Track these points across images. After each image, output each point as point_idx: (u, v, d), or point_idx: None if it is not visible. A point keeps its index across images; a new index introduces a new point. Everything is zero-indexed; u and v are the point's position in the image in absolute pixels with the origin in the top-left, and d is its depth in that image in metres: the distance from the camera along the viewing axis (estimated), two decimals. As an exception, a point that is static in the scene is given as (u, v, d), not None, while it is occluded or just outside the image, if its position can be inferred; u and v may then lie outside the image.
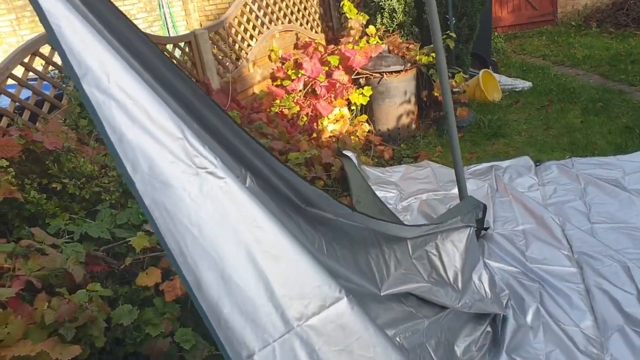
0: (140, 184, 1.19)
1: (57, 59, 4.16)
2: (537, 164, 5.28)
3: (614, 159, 5.15)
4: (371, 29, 6.41)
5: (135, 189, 1.19)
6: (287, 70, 6.24)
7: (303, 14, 7.04)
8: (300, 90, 5.99)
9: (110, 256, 3.21)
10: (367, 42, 6.35)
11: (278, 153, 4.95)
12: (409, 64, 6.19)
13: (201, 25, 12.82)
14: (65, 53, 1.16)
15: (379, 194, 5.03)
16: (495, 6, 12.20)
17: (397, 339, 2.43)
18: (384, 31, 6.56)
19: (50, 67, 4.17)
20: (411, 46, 6.32)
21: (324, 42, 7.20)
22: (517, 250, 3.86)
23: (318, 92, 5.93)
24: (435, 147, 6.08)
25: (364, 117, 6.08)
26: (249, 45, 6.05)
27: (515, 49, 10.90)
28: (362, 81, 6.24)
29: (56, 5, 1.19)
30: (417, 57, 6.15)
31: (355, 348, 1.62)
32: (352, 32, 6.32)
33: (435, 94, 6.20)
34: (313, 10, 7.24)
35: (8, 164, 3.09)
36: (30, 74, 3.99)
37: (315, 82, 5.99)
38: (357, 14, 6.39)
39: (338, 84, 5.93)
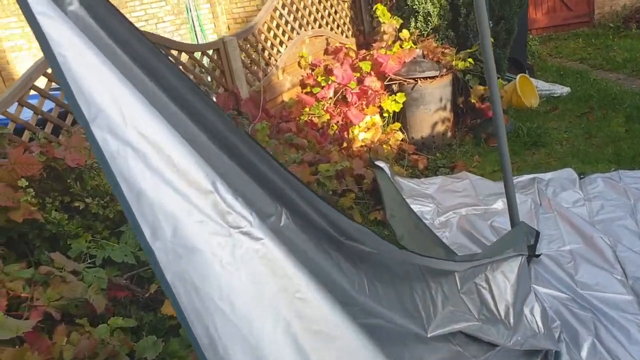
0: (162, 253, 0.98)
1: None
2: (582, 176, 4.98)
3: (665, 172, 4.84)
4: (405, 33, 6.17)
5: (155, 259, 0.98)
6: (317, 77, 6.03)
7: (334, 18, 6.83)
8: (330, 98, 5.77)
9: (134, 282, 3.04)
10: (401, 46, 6.11)
11: (307, 164, 4.75)
12: (444, 70, 5.94)
13: (229, 28, 12.69)
14: (72, 92, 0.96)
15: (414, 207, 4.79)
16: (530, 7, 11.83)
17: (445, 381, 2.21)
18: (417, 35, 6.31)
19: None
20: (446, 51, 6.07)
21: (354, 47, 6.97)
22: (565, 273, 3.59)
23: (349, 100, 5.71)
24: (473, 156, 5.81)
25: (397, 125, 5.84)
26: (278, 51, 5.86)
27: (550, 52, 10.53)
28: (394, 87, 6.01)
29: (61, 31, 0.99)
30: (453, 62, 5.89)
31: None
32: (385, 36, 6.08)
33: (472, 100, 5.94)
34: (344, 14, 7.02)
35: (27, 183, 2.93)
36: (53, 84, 3.84)
37: (346, 89, 5.77)
38: (390, 18, 6.16)
39: (370, 91, 5.70)
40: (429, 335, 2.23)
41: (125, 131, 0.99)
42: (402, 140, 5.80)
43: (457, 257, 2.96)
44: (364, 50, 6.44)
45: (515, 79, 6.96)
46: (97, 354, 2.41)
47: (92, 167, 3.36)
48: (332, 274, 1.74)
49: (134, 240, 3.16)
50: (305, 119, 5.57)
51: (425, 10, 6.25)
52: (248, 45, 5.49)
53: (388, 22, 6.09)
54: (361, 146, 5.44)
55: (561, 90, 7.59)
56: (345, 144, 5.31)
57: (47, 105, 3.78)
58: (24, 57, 10.48)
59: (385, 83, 5.96)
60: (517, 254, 2.69)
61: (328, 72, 5.97)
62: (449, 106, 6.10)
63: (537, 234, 3.23)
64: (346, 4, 7.06)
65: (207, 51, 5.00)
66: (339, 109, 5.70)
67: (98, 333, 2.47)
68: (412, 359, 2.16)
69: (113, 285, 2.84)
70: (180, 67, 4.73)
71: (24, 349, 2.28)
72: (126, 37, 1.30)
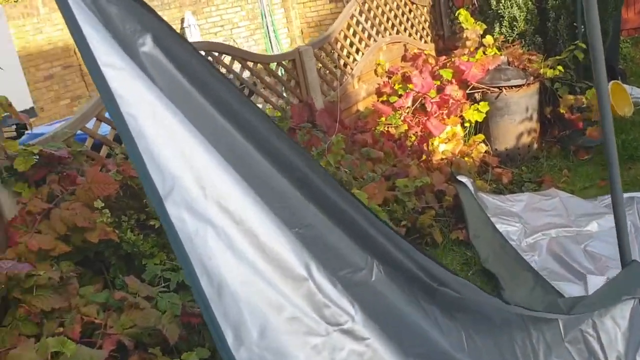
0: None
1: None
2: (688, 195, 4.53)
3: None
4: (488, 39, 5.84)
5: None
6: (394, 85, 5.81)
7: (412, 23, 6.58)
8: (408, 107, 5.54)
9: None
10: (484, 53, 5.79)
11: (384, 179, 4.54)
12: (531, 78, 5.58)
13: (302, 33, 12.63)
14: (144, 161, 0.81)
15: (500, 227, 4.48)
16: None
17: None
18: (502, 41, 5.97)
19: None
20: (533, 57, 5.70)
21: (433, 53, 6.70)
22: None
23: (428, 109, 5.45)
24: (561, 170, 5.42)
25: (481, 136, 5.53)
26: (354, 59, 5.67)
27: (644, 54, 9.83)
28: (477, 96, 5.70)
29: (131, 86, 0.85)
30: (541, 70, 5.53)
31: None
32: (468, 43, 5.78)
33: (562, 110, 5.54)
34: (423, 18, 6.76)
35: (103, 204, 2.87)
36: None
37: (425, 98, 5.52)
38: (473, 23, 5.85)
39: (451, 100, 5.42)
40: (531, 392, 2.00)
41: (206, 206, 0.84)
42: (485, 152, 5.49)
43: (560, 302, 2.68)
44: (444, 57, 6.16)
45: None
46: (169, 388, 2.30)
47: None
48: (431, 334, 1.55)
49: (208, 263, 3.06)
50: (382, 129, 5.35)
51: (511, 15, 5.90)
52: (323, 54, 5.33)
53: (471, 28, 5.79)
54: (441, 159, 5.17)
55: (658, 97, 7.02)
56: (424, 157, 5.06)
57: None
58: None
59: (467, 92, 5.66)
60: (630, 297, 2.39)
61: (406, 79, 5.73)
62: (535, 116, 5.73)
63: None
64: (425, 8, 6.80)
65: (283, 62, 4.88)
66: (417, 119, 5.46)
67: (171, 367, 2.36)
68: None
69: (187, 312, 2.74)
70: (255, 78, 4.63)
71: (96, 383, 2.20)
72: (202, 75, 1.17)
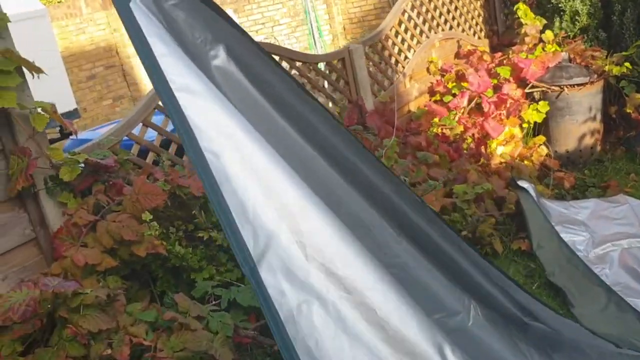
0: None
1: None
2: None
3: None
4: (548, 35, 5.51)
5: None
6: (448, 84, 5.53)
7: (465, 18, 6.27)
8: (463, 107, 5.25)
9: (261, 327, 2.74)
10: (543, 49, 5.46)
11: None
12: (594, 75, 5.23)
13: (344, 29, 12.39)
14: (232, 216, 0.61)
15: (565, 237, 4.18)
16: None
17: None
18: (563, 37, 5.62)
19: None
20: (597, 54, 5.35)
21: (487, 49, 6.38)
22: None
23: (485, 109, 5.16)
24: (628, 174, 5.07)
25: (542, 138, 5.21)
26: (405, 57, 5.41)
27: None
28: (536, 95, 5.38)
29: (210, 113, 0.67)
30: (606, 67, 5.17)
31: None
32: (527, 39, 5.46)
33: (628, 110, 5.18)
34: (476, 13, 6.44)
35: (152, 217, 2.71)
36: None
37: (482, 98, 5.22)
38: (533, 18, 5.52)
39: (510, 100, 5.12)
40: None
41: (309, 271, 0.64)
42: (546, 155, 5.17)
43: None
44: (499, 54, 5.84)
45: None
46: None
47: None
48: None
49: (260, 279, 2.86)
50: (436, 131, 5.09)
51: (573, 9, 5.55)
52: (374, 52, 5.09)
53: (531, 23, 5.46)
54: (500, 162, 4.88)
55: None
56: (482, 160, 4.78)
57: (171, 124, 3.59)
58: (147, 62, 10.75)
59: (526, 91, 5.35)
60: None
61: (460, 78, 5.45)
62: (598, 116, 5.38)
63: None
64: (478, 2, 6.48)
65: (332, 61, 4.66)
66: (473, 120, 5.17)
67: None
68: None
69: (239, 333, 2.56)
70: (303, 78, 4.42)
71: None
72: (276, 86, 0.98)
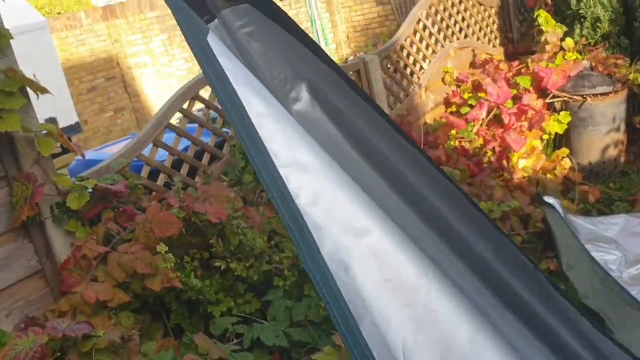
0: None
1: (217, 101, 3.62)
2: None
3: None
4: (569, 43, 5.32)
5: None
6: (464, 95, 5.33)
7: (480, 26, 6.08)
8: (482, 119, 5.06)
9: (287, 367, 2.53)
10: (564, 58, 5.27)
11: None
12: (619, 84, 5.04)
13: (348, 37, 12.23)
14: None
15: (596, 256, 3.96)
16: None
17: None
18: (584, 44, 5.43)
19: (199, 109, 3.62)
20: (620, 62, 5.16)
21: (503, 58, 6.19)
22: None
23: (506, 121, 4.96)
24: (656, 187, 4.87)
25: (565, 150, 5.00)
26: (421, 68, 5.22)
27: None
28: (557, 106, 5.18)
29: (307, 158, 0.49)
30: (631, 76, 4.98)
31: None
32: (548, 47, 5.26)
33: (653, 120, 4.99)
34: (491, 21, 6.26)
35: (167, 249, 2.50)
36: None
37: (501, 109, 5.03)
38: (555, 25, 5.33)
39: (531, 111, 4.92)
40: None
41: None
42: (570, 168, 4.97)
43: None
44: (516, 63, 5.65)
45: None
46: None
47: (234, 217, 2.89)
48: None
49: (284, 313, 2.66)
50: (454, 144, 4.89)
51: (594, 15, 5.36)
52: (389, 64, 4.90)
53: (552, 31, 5.27)
54: (523, 177, 4.68)
55: None
56: (505, 175, 4.58)
57: (182, 143, 3.39)
58: (148, 74, 10.56)
59: (547, 101, 5.15)
60: None
61: (477, 88, 5.25)
62: (623, 127, 5.19)
63: None
64: (493, 9, 6.29)
65: (347, 73, 4.47)
66: (492, 132, 4.97)
67: None
68: None
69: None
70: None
71: None
72: (365, 130, 0.79)
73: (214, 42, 0.71)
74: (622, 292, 3.59)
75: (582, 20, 5.47)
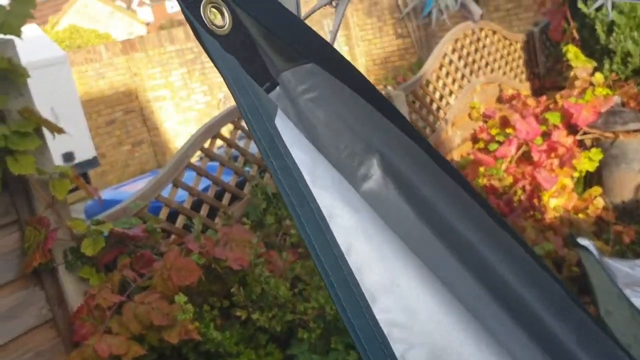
0: None
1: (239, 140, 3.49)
2: None
3: None
4: (598, 78, 5.16)
5: None
6: (491, 130, 5.18)
7: (506, 61, 5.96)
8: (511, 156, 4.89)
9: None
10: (593, 93, 5.11)
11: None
12: (652, 121, 4.86)
13: (367, 71, 12.18)
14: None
15: (635, 301, 3.74)
16: None
17: None
18: (613, 80, 5.27)
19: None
20: (652, 97, 4.99)
21: (529, 92, 6.05)
22: None
23: (535, 158, 4.78)
24: (694, 228, 4.64)
25: (598, 189, 4.81)
26: (447, 103, 5.08)
27: None
28: (587, 142, 5.00)
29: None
30: (664, 112, 4.80)
31: None
32: (577, 82, 5.11)
33: (689, 157, 4.78)
34: (517, 55, 6.14)
35: (186, 299, 2.34)
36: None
37: (530, 145, 4.86)
38: (584, 60, 5.19)
39: (561, 148, 4.75)
40: None
41: None
42: (603, 207, 4.77)
43: None
44: (544, 98, 5.50)
45: None
46: None
47: (256, 264, 2.74)
48: None
49: (310, 368, 2.48)
50: (482, 182, 4.71)
51: (624, 50, 5.21)
52: (414, 99, 4.77)
53: (582, 66, 5.12)
54: (554, 216, 4.48)
55: None
56: (536, 214, 4.39)
57: (203, 182, 3.26)
58: (167, 107, 10.57)
59: (577, 138, 4.98)
60: None
61: (504, 124, 5.10)
62: (657, 164, 4.99)
63: None
64: (519, 44, 6.18)
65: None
66: (521, 170, 4.80)
67: None
68: None
69: None
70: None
71: None
72: (443, 209, 0.64)
73: (283, 126, 0.58)
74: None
75: (612, 54, 5.33)
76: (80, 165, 8.03)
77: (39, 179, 2.41)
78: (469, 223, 0.69)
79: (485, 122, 5.26)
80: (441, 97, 5.05)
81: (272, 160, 0.53)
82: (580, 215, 4.65)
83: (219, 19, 0.59)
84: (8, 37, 2.25)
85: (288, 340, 2.74)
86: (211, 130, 3.17)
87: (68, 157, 7.81)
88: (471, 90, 5.35)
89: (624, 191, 5.00)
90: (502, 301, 0.69)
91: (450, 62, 5.14)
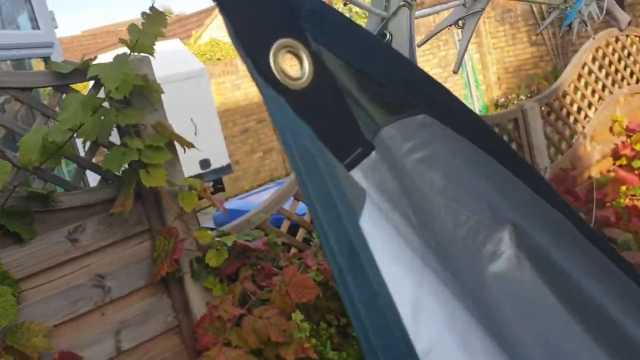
0: None
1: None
2: None
3: None
4: None
5: None
6: (635, 146, 4.73)
7: (655, 69, 5.44)
8: (660, 175, 4.44)
9: None
10: None
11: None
12: None
13: (499, 79, 11.73)
14: None
15: None
16: None
17: None
18: None
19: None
20: None
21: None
22: None
23: (690, 179, 4.30)
24: None
25: None
26: (585, 116, 4.73)
27: None
28: None
29: None
30: None
31: None
32: None
33: None
34: (668, 62, 5.57)
35: (302, 317, 2.34)
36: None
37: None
38: None
39: None
40: None
41: None
42: None
43: None
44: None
45: None
46: None
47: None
48: None
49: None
50: (624, 202, 4.32)
51: None
52: (549, 111, 4.48)
53: None
54: None
55: None
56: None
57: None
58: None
59: None
60: None
61: (652, 139, 4.64)
62: None
63: None
64: (670, 50, 5.61)
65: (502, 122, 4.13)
66: (671, 190, 4.34)
67: None
68: None
69: None
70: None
71: None
72: (595, 296, 0.53)
73: (372, 225, 0.49)
74: None
75: None
76: (215, 172, 8.44)
77: (170, 191, 2.52)
78: (632, 315, 0.56)
79: (629, 136, 4.82)
80: (579, 110, 4.70)
81: (348, 274, 0.42)
82: None
83: (294, 68, 0.50)
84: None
85: None
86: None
87: (205, 164, 8.23)
88: (613, 102, 4.93)
89: None
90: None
91: (590, 72, 4.77)
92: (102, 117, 2.23)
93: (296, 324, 2.32)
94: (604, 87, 4.93)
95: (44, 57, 4.29)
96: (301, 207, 3.17)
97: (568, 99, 4.61)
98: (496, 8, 11.28)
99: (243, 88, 10.56)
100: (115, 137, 2.38)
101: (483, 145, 0.53)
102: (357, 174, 0.57)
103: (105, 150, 2.39)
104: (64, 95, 2.35)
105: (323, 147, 0.46)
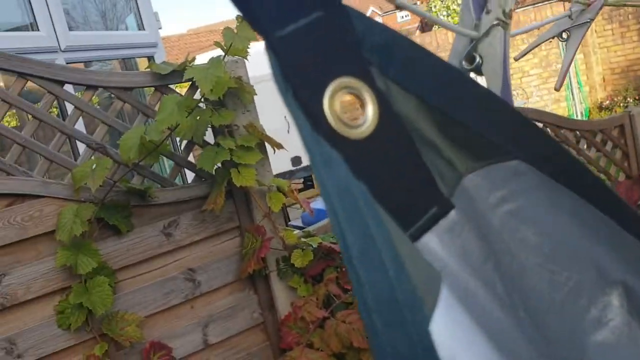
0: None
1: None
2: None
3: None
4: None
5: None
6: None
7: None
8: None
9: None
10: None
11: None
12: None
13: (604, 80, 11.10)
14: None
15: None
16: None
17: None
18: None
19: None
20: None
21: None
22: None
23: None
24: None
25: None
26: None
27: None
28: None
29: None
30: None
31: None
32: None
33: None
34: None
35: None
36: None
37: None
38: None
39: None
40: None
41: None
42: None
43: None
44: None
45: None
46: None
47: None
48: None
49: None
50: None
51: None
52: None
53: None
54: None
55: None
56: None
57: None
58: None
59: None
60: None
61: None
62: None
63: None
64: None
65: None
66: None
67: None
68: None
69: None
70: (571, 148, 3.73)
71: None
72: None
73: (444, 327, 0.38)
74: None
75: None
76: (306, 169, 8.52)
77: (259, 190, 2.56)
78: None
79: None
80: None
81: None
82: None
83: (355, 114, 0.39)
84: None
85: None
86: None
87: (296, 161, 8.32)
88: None
89: None
90: None
91: None
92: (198, 118, 2.29)
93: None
94: None
95: (148, 56, 4.50)
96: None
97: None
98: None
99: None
100: (209, 137, 2.45)
101: (585, 194, 0.43)
102: (431, 239, 0.45)
103: (200, 148, 2.46)
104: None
105: (383, 212, 0.37)
